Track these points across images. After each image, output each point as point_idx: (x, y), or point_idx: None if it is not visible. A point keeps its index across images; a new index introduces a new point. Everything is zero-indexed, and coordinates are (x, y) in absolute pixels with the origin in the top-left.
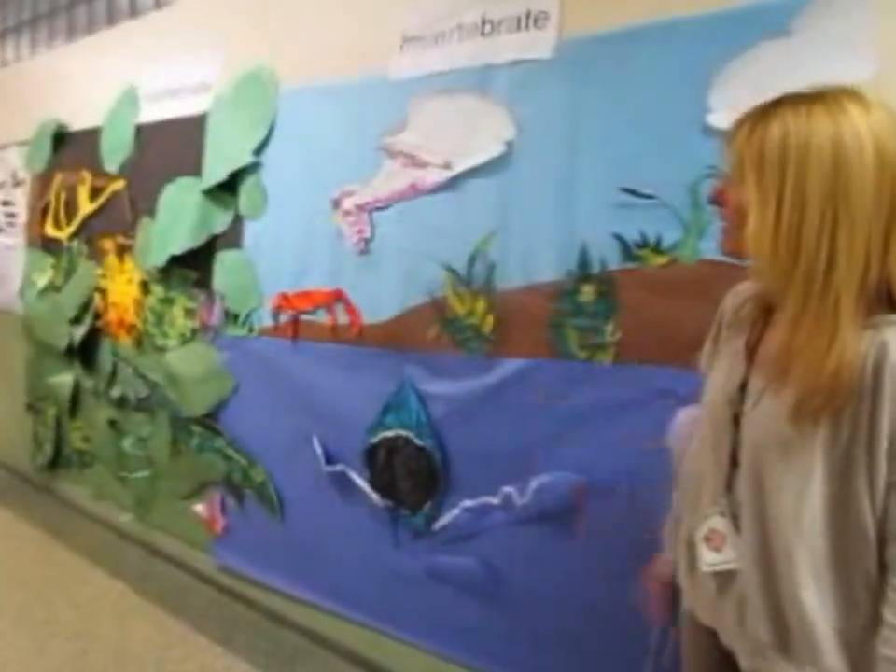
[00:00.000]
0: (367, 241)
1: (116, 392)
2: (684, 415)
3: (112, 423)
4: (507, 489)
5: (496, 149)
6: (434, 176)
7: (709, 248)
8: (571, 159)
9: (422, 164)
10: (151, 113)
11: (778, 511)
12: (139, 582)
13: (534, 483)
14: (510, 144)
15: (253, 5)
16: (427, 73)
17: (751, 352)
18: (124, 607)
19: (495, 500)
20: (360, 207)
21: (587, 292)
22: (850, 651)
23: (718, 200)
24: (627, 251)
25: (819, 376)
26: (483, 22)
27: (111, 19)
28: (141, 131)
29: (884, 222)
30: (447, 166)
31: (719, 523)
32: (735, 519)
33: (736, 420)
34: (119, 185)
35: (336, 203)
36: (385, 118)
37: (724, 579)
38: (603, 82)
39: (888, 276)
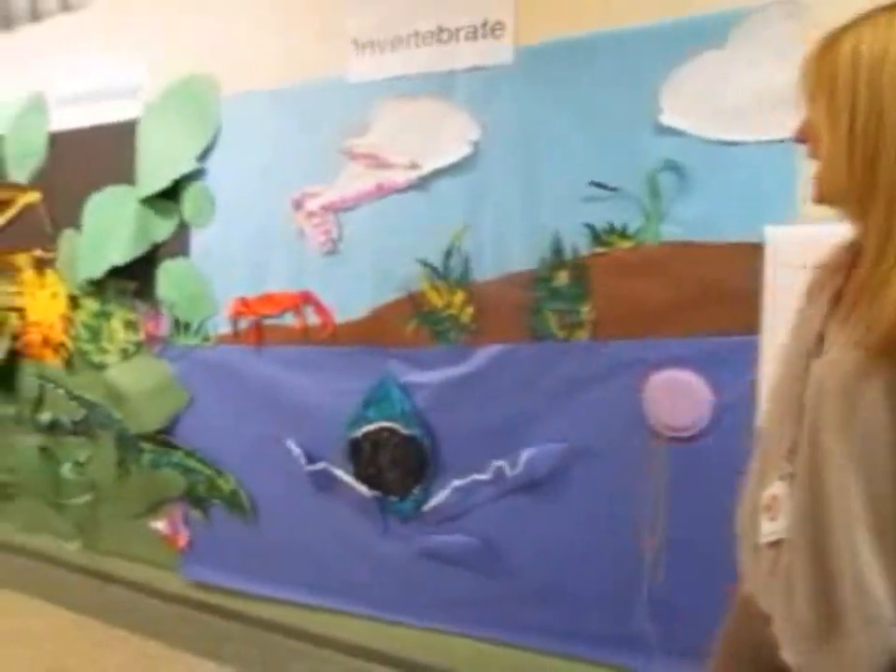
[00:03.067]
0: (334, 241)
1: (45, 417)
2: (657, 379)
3: (43, 450)
4: (498, 463)
5: (462, 150)
6: (402, 176)
7: (668, 231)
8: (537, 157)
9: (387, 165)
10: (67, 120)
11: (834, 471)
12: (100, 613)
13: (524, 455)
14: (475, 144)
15: (188, 9)
16: (387, 77)
17: (836, 299)
18: (90, 639)
19: (485, 476)
20: (325, 208)
21: (561, 277)
22: None
23: (800, 136)
24: (597, 238)
25: None
26: (440, 30)
27: (5, 23)
28: (56, 139)
29: None
30: (414, 166)
31: (779, 487)
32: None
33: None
34: (31, 197)
35: (297, 205)
36: (345, 121)
37: (777, 551)
38: (562, 86)
39: None
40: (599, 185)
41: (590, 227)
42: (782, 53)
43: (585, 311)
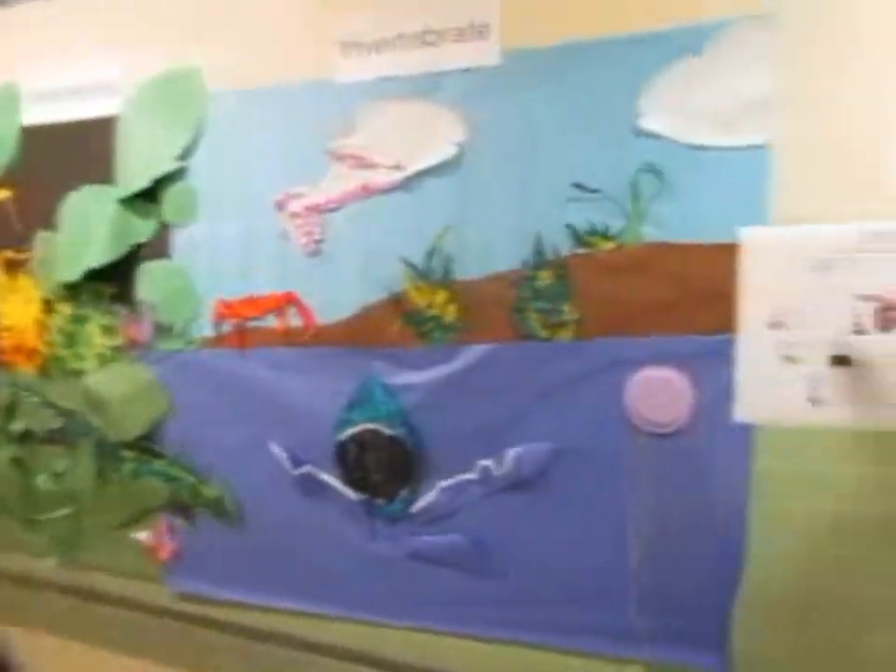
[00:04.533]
0: (318, 242)
1: (17, 427)
2: (639, 376)
3: (15, 461)
4: (484, 462)
5: (448, 151)
6: (386, 177)
7: (649, 233)
8: (522, 158)
9: (372, 166)
10: (41, 114)
11: None
12: (80, 633)
13: (511, 454)
14: (460, 145)
15: (170, 5)
16: (373, 78)
17: None
18: (69, 662)
19: (472, 475)
20: (310, 209)
21: (544, 277)
22: None
23: None
24: (579, 239)
25: None
26: (426, 32)
27: None
28: (28, 134)
29: None
30: (398, 167)
31: None
32: None
33: None
34: (3, 195)
35: (280, 206)
36: (331, 122)
37: None
38: (547, 89)
39: None
40: (580, 186)
41: (571, 228)
42: (754, 63)
43: (567, 310)
